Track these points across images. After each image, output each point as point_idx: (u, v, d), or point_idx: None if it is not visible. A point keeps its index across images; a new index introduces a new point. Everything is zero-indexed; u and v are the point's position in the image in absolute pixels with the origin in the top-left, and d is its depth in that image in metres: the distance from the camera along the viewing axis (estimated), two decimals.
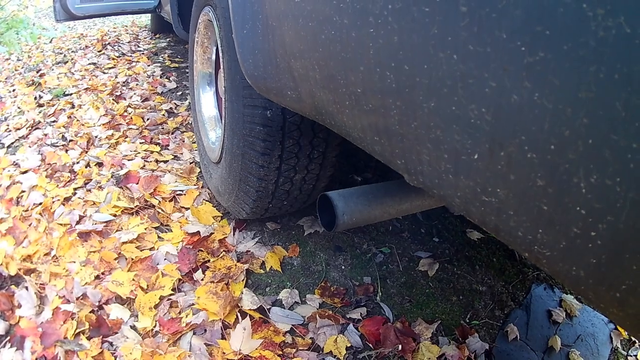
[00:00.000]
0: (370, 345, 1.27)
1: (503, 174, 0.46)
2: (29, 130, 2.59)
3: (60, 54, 4.35)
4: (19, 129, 2.64)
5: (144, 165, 2.00)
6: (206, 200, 1.77)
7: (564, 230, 0.43)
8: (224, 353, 1.20)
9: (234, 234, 1.60)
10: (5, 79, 3.89)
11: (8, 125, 2.72)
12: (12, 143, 2.48)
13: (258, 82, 0.96)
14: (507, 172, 0.45)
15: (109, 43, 4.42)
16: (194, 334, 1.26)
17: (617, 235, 0.39)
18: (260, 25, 0.87)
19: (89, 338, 1.24)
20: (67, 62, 3.96)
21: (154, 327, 1.28)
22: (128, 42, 4.48)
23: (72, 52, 4.32)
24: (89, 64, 3.76)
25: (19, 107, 2.98)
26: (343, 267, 1.53)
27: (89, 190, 1.84)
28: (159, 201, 1.75)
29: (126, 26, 5.45)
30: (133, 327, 1.28)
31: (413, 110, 0.54)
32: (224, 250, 1.54)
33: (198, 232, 1.57)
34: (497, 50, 0.42)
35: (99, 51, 4.20)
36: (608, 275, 0.41)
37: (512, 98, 0.42)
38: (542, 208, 0.43)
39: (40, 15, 6.85)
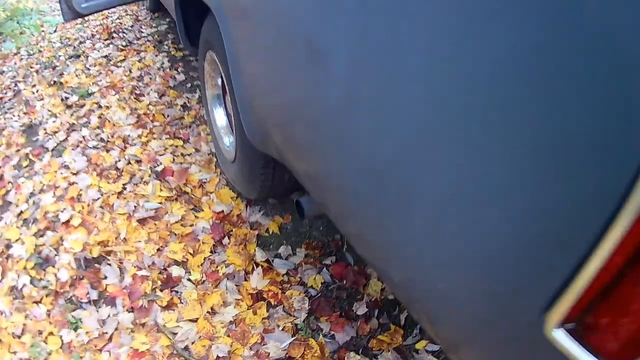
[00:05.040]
0: (337, 281, 2.17)
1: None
2: (67, 133, 3.45)
3: (70, 45, 5.18)
4: (56, 132, 3.50)
5: (174, 160, 2.90)
6: (224, 185, 2.66)
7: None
8: (246, 289, 2.13)
9: (246, 210, 2.50)
10: (24, 78, 4.74)
11: (45, 130, 3.57)
12: (55, 147, 3.34)
13: (251, 139, 1.83)
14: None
15: (114, 31, 5.25)
16: (228, 279, 2.18)
17: None
18: (250, 110, 1.73)
19: (161, 290, 2.16)
20: (79, 55, 4.81)
21: (202, 278, 2.19)
22: (131, 27, 5.30)
23: (81, 42, 5.15)
24: (101, 57, 4.61)
25: (49, 110, 3.84)
26: (321, 229, 2.43)
27: (136, 185, 2.75)
28: (191, 189, 2.65)
29: (125, 8, 6.21)
30: (189, 280, 2.20)
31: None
32: (240, 222, 2.44)
33: (222, 211, 2.47)
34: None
35: (105, 39, 5.05)
36: None
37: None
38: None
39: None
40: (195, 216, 2.51)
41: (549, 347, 0.67)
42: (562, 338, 0.65)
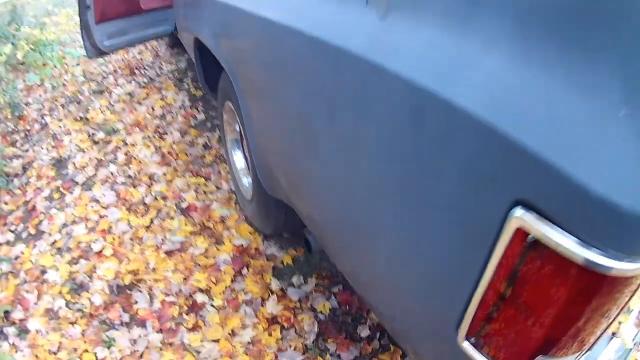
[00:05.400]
0: (343, 307, 2.50)
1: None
2: (95, 168, 3.78)
3: (93, 80, 5.53)
4: (85, 167, 3.83)
5: (197, 197, 3.23)
6: (243, 221, 2.99)
7: None
8: (263, 314, 2.45)
9: (263, 243, 2.83)
10: (50, 111, 5.08)
11: (75, 164, 3.90)
12: (85, 181, 3.67)
13: (264, 184, 2.18)
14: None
15: (135, 67, 5.62)
16: (246, 305, 2.51)
17: None
18: (261, 161, 2.07)
19: (187, 314, 2.48)
20: (103, 91, 5.16)
21: (223, 303, 2.52)
22: (152, 63, 5.67)
23: (104, 78, 5.50)
24: (125, 93, 4.96)
25: (77, 145, 4.17)
26: (330, 260, 2.74)
27: (163, 219, 3.08)
28: (213, 224, 2.98)
29: (145, 43, 6.54)
30: (211, 305, 2.52)
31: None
32: (258, 254, 2.77)
33: (242, 244, 2.80)
34: None
35: (127, 75, 5.41)
36: None
37: None
38: None
39: (55, 29, 7.85)
40: (217, 249, 2.84)
41: (463, 354, 1.00)
42: (469, 348, 0.98)
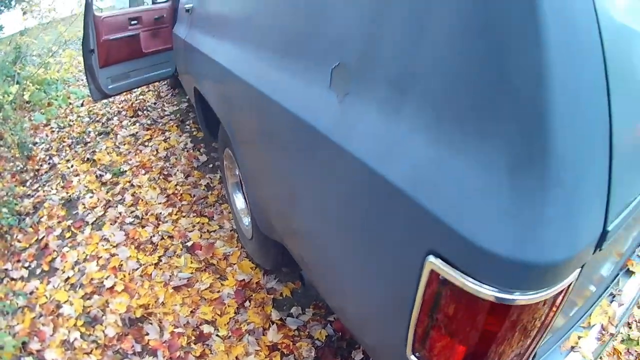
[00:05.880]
0: (339, 333, 2.74)
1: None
2: (104, 209, 4.07)
3: (98, 121, 5.85)
4: (94, 207, 4.12)
5: (201, 236, 3.52)
6: (245, 258, 3.27)
7: None
8: (264, 342, 2.71)
9: (264, 278, 3.11)
10: (57, 151, 5.38)
11: (84, 205, 4.19)
12: (95, 221, 3.95)
13: (260, 227, 2.47)
14: None
15: (138, 108, 5.93)
16: (249, 334, 2.76)
17: None
18: (258, 206, 2.36)
19: (194, 343, 2.75)
20: (108, 133, 5.48)
21: (228, 333, 2.79)
22: (154, 104, 5.99)
23: (108, 119, 5.83)
24: (129, 135, 5.29)
25: (85, 186, 4.48)
26: None
27: (170, 257, 3.36)
28: (217, 261, 3.27)
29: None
30: (217, 335, 2.79)
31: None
32: (259, 288, 3.04)
33: (244, 279, 3.08)
34: None
35: (131, 117, 5.73)
36: None
37: None
38: None
39: (59, 69, 8.13)
40: (222, 284, 3.11)
41: None
42: None
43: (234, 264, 3.26)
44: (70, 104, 6.68)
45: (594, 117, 0.91)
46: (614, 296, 1.77)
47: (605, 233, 0.96)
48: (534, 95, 0.83)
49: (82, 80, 7.00)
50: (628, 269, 1.85)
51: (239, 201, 3.22)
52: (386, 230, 1.16)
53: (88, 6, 4.48)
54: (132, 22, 4.99)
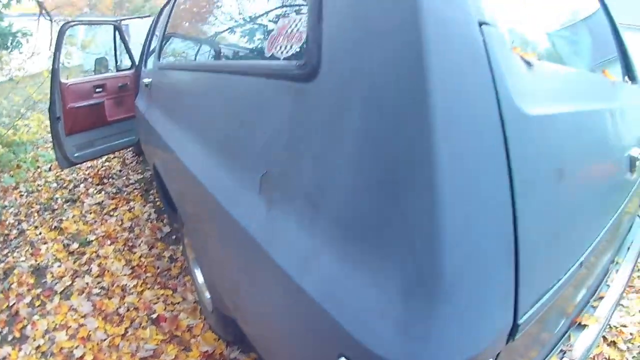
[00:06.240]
0: None
1: None
2: (72, 278, 4.30)
3: (65, 188, 6.09)
4: (62, 277, 4.35)
5: (165, 308, 3.81)
6: (208, 329, 3.56)
7: None
8: None
9: (227, 349, 3.37)
10: (26, 217, 5.60)
11: (52, 274, 4.42)
12: (63, 290, 4.18)
13: (215, 303, 2.78)
14: None
15: (104, 176, 6.22)
16: None
17: None
18: (211, 283, 2.63)
19: None
20: (75, 200, 5.74)
21: None
22: (120, 172, 6.27)
23: (75, 186, 6.09)
24: (95, 204, 5.56)
25: (53, 255, 4.71)
26: None
27: (136, 329, 3.65)
28: (181, 332, 3.55)
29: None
30: None
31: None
32: (223, 359, 3.33)
33: (207, 350, 3.36)
34: None
35: (97, 184, 6.01)
36: None
37: None
38: None
39: (28, 131, 8.29)
40: (186, 355, 3.37)
41: None
42: None
43: (198, 336, 3.52)
44: (38, 167, 6.87)
45: (493, 229, 0.99)
46: (564, 352, 1.75)
47: (517, 326, 1.03)
48: (423, 223, 0.91)
49: (50, 142, 7.17)
50: (579, 323, 1.86)
51: (200, 276, 3.46)
52: (307, 331, 1.27)
53: (55, 72, 4.77)
54: (97, 90, 5.24)
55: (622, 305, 3.28)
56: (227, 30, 2.51)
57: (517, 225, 0.99)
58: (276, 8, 1.83)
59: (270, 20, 1.81)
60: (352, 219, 1.07)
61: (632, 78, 2.56)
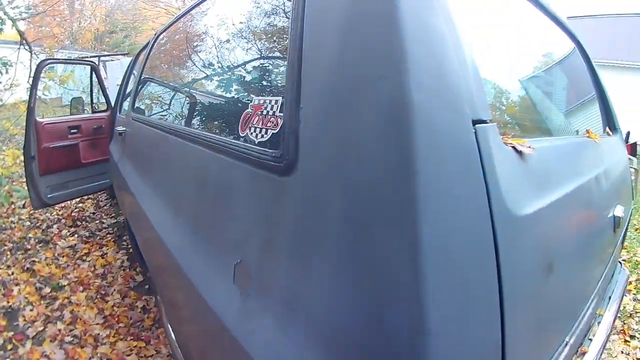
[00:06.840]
0: None
1: None
2: (44, 324, 4.37)
3: (39, 227, 6.16)
4: (34, 321, 4.42)
5: None
6: None
7: None
8: None
9: None
10: None
11: (24, 317, 4.48)
12: (35, 335, 4.24)
13: None
14: None
15: (77, 218, 6.32)
16: None
17: None
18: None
19: None
20: (48, 241, 5.80)
21: None
22: (93, 214, 6.39)
23: (48, 227, 6.16)
24: (68, 247, 5.65)
25: (25, 297, 4.77)
26: None
27: None
28: None
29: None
30: None
31: None
32: None
33: None
34: None
35: (70, 226, 6.11)
36: None
37: None
38: None
39: (2, 165, 8.21)
40: None
41: None
42: None
43: None
44: (12, 202, 6.91)
45: (481, 333, 0.95)
46: None
47: None
48: (409, 336, 0.86)
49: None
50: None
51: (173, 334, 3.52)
52: None
53: (30, 110, 4.89)
54: (72, 131, 5.36)
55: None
56: (201, 93, 2.40)
57: (505, 322, 0.96)
58: (252, 81, 1.72)
59: (244, 92, 1.71)
60: (332, 330, 1.00)
61: (613, 128, 2.67)
